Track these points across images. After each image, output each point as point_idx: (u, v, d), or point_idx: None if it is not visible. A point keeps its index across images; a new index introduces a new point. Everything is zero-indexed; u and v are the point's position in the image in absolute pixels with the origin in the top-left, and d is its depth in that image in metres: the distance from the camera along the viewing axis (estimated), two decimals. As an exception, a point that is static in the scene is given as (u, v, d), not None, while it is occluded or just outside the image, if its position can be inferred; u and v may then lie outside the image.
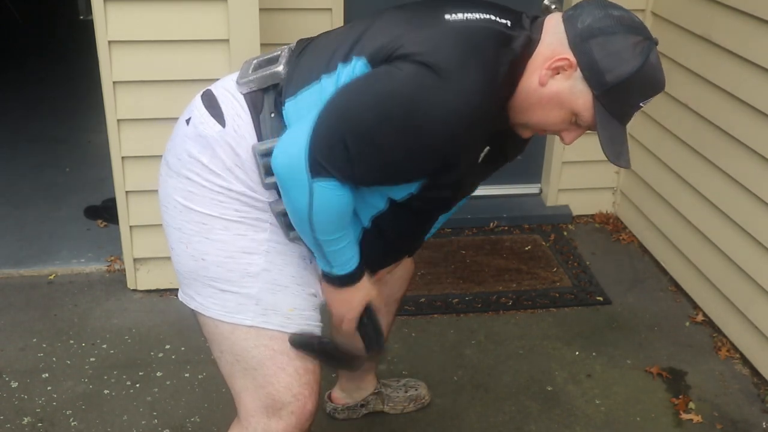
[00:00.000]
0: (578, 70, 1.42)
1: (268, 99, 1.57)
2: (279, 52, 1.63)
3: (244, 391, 1.66)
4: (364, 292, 1.66)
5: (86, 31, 3.61)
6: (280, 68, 1.58)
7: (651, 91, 1.46)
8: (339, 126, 1.43)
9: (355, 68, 1.47)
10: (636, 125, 3.45)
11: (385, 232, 1.62)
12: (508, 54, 1.43)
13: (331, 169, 1.43)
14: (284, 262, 1.62)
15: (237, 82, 1.61)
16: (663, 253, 3.30)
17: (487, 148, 1.57)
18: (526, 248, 3.42)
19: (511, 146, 1.69)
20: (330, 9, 3.08)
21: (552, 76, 1.44)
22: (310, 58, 1.57)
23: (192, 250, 1.60)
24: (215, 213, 1.58)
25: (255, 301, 1.59)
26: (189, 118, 1.62)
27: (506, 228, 3.57)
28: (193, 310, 1.67)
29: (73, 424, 2.40)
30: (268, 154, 1.52)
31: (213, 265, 1.59)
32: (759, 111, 2.62)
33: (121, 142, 2.74)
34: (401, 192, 1.56)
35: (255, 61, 1.64)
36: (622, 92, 1.42)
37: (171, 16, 2.59)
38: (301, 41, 1.66)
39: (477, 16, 1.46)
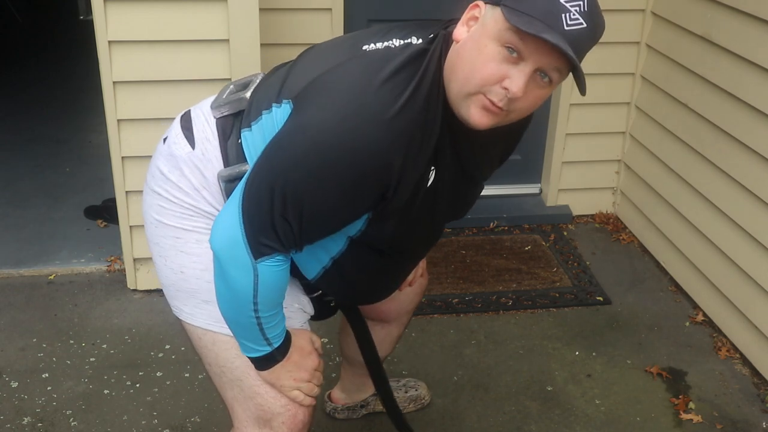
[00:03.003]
0: (485, 5, 1.35)
1: (236, 125, 1.57)
2: (252, 78, 1.64)
3: (235, 401, 1.67)
4: (305, 339, 1.64)
5: (86, 31, 3.61)
6: (247, 95, 1.58)
7: None
8: (274, 200, 1.38)
9: (285, 112, 1.44)
10: (636, 125, 3.45)
11: (346, 271, 1.60)
12: (427, 63, 1.39)
13: (274, 245, 1.41)
14: None
15: (211, 106, 1.62)
16: (663, 253, 3.30)
17: (433, 168, 1.49)
18: (526, 248, 3.42)
19: (466, 181, 1.62)
20: (330, 9, 3.08)
21: (468, 31, 1.38)
22: (263, 89, 1.56)
23: (171, 264, 1.62)
24: (187, 227, 1.59)
25: None
26: (166, 137, 1.65)
27: (506, 228, 3.57)
28: (182, 323, 1.68)
29: (73, 424, 2.40)
30: (231, 179, 1.54)
31: (192, 278, 1.60)
32: (759, 111, 2.62)
33: (121, 142, 2.74)
34: (352, 228, 1.52)
35: (231, 86, 1.65)
36: None
37: (171, 16, 2.59)
38: (275, 68, 1.64)
39: (397, 43, 1.43)
